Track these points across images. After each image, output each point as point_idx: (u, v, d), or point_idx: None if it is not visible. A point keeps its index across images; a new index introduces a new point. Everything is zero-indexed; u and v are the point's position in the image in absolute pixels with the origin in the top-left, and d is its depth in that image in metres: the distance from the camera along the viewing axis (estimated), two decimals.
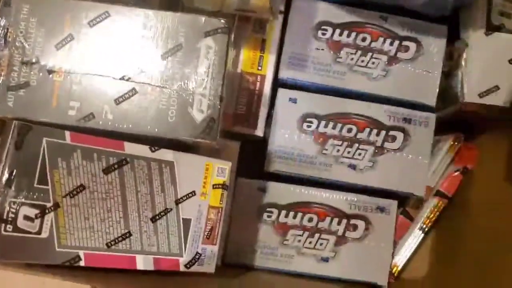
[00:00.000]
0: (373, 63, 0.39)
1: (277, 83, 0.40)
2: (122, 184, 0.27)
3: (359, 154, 0.39)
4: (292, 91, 0.39)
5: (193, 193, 0.29)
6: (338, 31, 0.39)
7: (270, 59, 0.38)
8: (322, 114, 0.39)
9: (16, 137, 0.25)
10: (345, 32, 0.39)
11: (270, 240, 0.39)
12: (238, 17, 0.37)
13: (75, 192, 0.26)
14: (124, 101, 0.27)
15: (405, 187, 0.39)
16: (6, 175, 0.25)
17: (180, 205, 0.29)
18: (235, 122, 0.38)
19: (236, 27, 0.37)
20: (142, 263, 0.28)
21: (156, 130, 0.27)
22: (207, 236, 0.30)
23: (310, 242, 0.38)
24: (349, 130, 0.39)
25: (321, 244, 0.38)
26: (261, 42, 0.38)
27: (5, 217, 0.24)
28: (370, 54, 0.39)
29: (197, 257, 0.30)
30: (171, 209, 0.29)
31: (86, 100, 0.27)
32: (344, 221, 0.39)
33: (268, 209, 0.39)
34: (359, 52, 0.39)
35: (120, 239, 0.27)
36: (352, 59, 0.39)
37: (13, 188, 0.25)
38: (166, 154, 0.28)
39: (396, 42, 0.39)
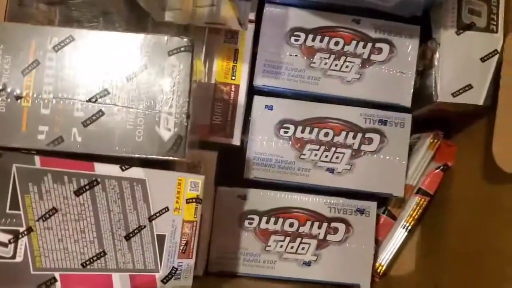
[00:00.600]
0: (346, 66, 0.39)
1: (252, 92, 0.40)
2: (94, 204, 0.28)
3: (337, 158, 0.39)
4: (268, 98, 0.40)
5: (166, 209, 0.30)
6: (311, 36, 0.39)
7: (243, 68, 0.38)
8: (298, 120, 0.40)
9: None
10: (318, 37, 0.39)
11: (253, 247, 0.39)
12: (209, 29, 0.38)
13: (47, 216, 0.27)
14: (92, 123, 0.27)
15: (384, 188, 0.40)
16: None
17: (153, 221, 0.29)
18: (211, 132, 0.38)
19: (207, 38, 0.38)
20: (119, 281, 0.28)
21: (124, 150, 0.28)
22: (183, 251, 0.30)
23: (292, 247, 0.39)
24: (326, 134, 0.39)
25: (302, 249, 0.39)
26: (234, 52, 0.38)
27: None
28: (343, 58, 0.39)
29: (173, 271, 0.30)
30: (145, 226, 0.29)
31: (54, 124, 0.27)
32: (325, 224, 0.39)
33: (249, 216, 0.39)
34: (333, 57, 0.39)
35: (94, 258, 0.28)
36: (325, 63, 0.39)
37: None
38: (137, 172, 0.29)
39: (369, 45, 0.39)
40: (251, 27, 0.38)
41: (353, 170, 0.39)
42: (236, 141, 0.39)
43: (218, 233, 0.39)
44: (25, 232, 0.26)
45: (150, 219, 0.29)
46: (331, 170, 0.39)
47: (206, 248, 0.39)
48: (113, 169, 0.28)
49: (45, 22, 0.33)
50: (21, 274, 0.26)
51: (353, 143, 0.39)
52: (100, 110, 0.27)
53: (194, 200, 0.31)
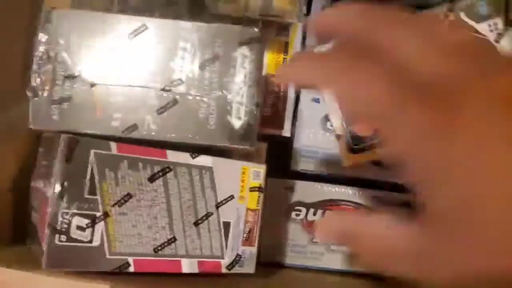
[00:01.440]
0: None
1: None
2: (166, 191, 0.28)
3: None
4: (315, 91, 0.40)
5: (231, 197, 0.30)
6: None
7: None
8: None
9: (65, 150, 0.26)
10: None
11: (300, 238, 0.40)
12: (262, 22, 0.38)
13: (122, 201, 0.27)
14: (166, 111, 0.28)
15: None
16: (58, 188, 0.25)
17: (220, 208, 0.30)
18: (262, 124, 0.39)
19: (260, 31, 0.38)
20: (187, 266, 0.29)
21: (197, 137, 0.28)
22: (246, 238, 0.31)
23: None
24: None
25: None
26: (284, 45, 0.39)
27: (58, 228, 0.25)
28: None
29: (237, 258, 0.31)
30: (212, 213, 0.30)
31: (128, 111, 0.28)
32: None
33: (296, 208, 0.40)
34: None
35: (166, 244, 0.28)
36: None
37: (65, 199, 0.26)
38: (205, 160, 0.29)
39: None
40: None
41: None
42: (286, 132, 0.39)
43: (267, 223, 0.39)
44: (102, 217, 0.26)
45: (217, 206, 0.30)
46: (377, 163, 0.40)
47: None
48: (184, 157, 0.29)
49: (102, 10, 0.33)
50: (97, 258, 0.26)
51: None
52: (174, 99, 0.28)
53: (257, 189, 0.31)
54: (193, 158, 0.29)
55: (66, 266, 0.26)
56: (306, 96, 0.40)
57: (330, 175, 0.40)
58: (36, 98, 0.27)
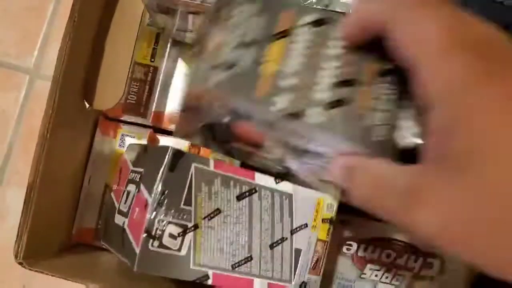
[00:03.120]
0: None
1: None
2: (250, 210, 0.30)
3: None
4: None
5: (305, 225, 0.32)
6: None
7: None
8: None
9: (171, 160, 0.27)
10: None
11: (348, 272, 0.41)
12: None
13: (212, 215, 0.28)
14: (334, 108, 0.24)
15: None
16: (159, 195, 0.27)
17: (294, 235, 0.31)
18: None
19: None
20: (259, 286, 0.30)
21: None
22: (313, 267, 0.32)
23: (387, 277, 0.40)
24: None
25: (397, 280, 0.40)
26: None
27: (153, 233, 0.27)
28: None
29: (303, 285, 0.32)
30: (287, 238, 0.31)
31: (291, 100, 0.24)
32: (421, 259, 0.41)
33: (347, 242, 0.41)
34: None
35: (243, 262, 0.29)
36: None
37: (163, 207, 0.27)
38: (287, 186, 0.31)
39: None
40: None
41: None
42: None
43: None
44: (192, 228, 0.28)
45: (292, 232, 0.31)
46: None
47: None
48: (269, 180, 0.30)
49: None
50: (182, 266, 0.28)
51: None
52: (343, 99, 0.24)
53: (328, 221, 0.33)
54: (277, 183, 0.31)
55: (154, 271, 0.27)
56: None
57: None
58: None
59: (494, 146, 0.15)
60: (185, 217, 0.28)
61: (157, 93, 0.38)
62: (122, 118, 0.39)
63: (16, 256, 0.30)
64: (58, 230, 0.35)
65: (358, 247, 0.41)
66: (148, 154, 0.30)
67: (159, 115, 0.39)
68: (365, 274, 0.41)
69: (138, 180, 0.30)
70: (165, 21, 0.34)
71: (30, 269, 0.30)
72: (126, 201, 0.31)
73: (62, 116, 0.31)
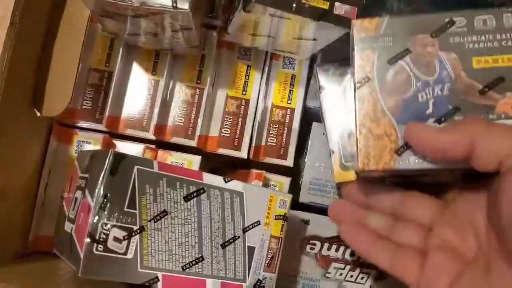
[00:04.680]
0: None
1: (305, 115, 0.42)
2: (199, 211, 0.29)
3: None
4: None
5: (257, 223, 0.32)
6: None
7: (299, 93, 0.40)
8: None
9: (112, 163, 0.27)
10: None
11: (313, 272, 0.40)
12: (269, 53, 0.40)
13: (158, 217, 0.28)
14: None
15: None
16: (101, 199, 0.27)
17: (246, 233, 0.31)
18: (266, 153, 0.40)
19: (267, 62, 0.40)
20: (211, 286, 0.30)
21: None
22: (268, 264, 0.32)
23: (351, 276, 0.40)
24: None
25: (362, 278, 0.40)
26: (291, 77, 0.41)
27: (97, 237, 0.27)
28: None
29: (258, 283, 0.31)
30: (239, 237, 0.31)
31: None
32: None
33: (311, 241, 0.41)
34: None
35: (194, 262, 0.29)
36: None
37: (106, 211, 0.27)
38: (237, 185, 0.31)
39: None
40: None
41: None
42: (289, 163, 0.40)
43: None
44: (138, 231, 0.28)
45: (244, 230, 0.31)
46: None
47: None
48: (217, 180, 0.30)
49: None
50: (130, 270, 0.27)
51: None
52: None
53: (281, 217, 0.33)
54: (226, 182, 0.31)
55: (100, 275, 0.27)
56: (318, 130, 0.42)
57: None
58: None
59: None
60: (129, 220, 0.27)
61: (111, 98, 0.38)
62: (77, 124, 0.38)
63: None
64: (11, 238, 0.34)
65: (322, 246, 0.41)
66: (94, 159, 0.30)
67: (115, 119, 0.39)
68: (330, 273, 0.40)
69: (84, 186, 0.30)
70: (115, 26, 0.33)
71: None
72: (73, 207, 0.30)
73: (9, 124, 0.31)
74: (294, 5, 0.27)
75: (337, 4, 0.28)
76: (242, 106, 0.40)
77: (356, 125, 0.27)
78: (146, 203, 0.28)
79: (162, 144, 0.39)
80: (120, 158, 0.28)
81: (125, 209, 0.27)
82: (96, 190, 0.27)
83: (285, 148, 0.40)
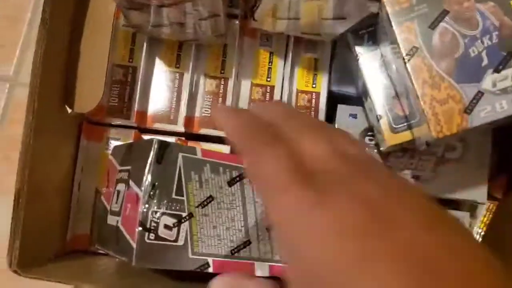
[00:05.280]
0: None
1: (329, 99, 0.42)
2: (242, 195, 0.30)
3: (421, 165, 0.42)
4: (352, 107, 0.42)
5: None
6: None
7: (323, 77, 0.40)
8: None
9: (158, 152, 0.27)
10: None
11: None
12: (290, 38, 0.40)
13: (205, 203, 0.29)
14: None
15: (467, 195, 0.42)
16: (149, 187, 0.27)
17: None
18: None
19: (289, 47, 0.40)
20: (260, 269, 0.30)
21: None
22: None
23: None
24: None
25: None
26: (314, 61, 0.41)
27: (148, 226, 0.27)
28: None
29: None
30: None
31: None
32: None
33: None
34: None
35: (242, 246, 0.30)
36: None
37: (155, 199, 0.27)
38: None
39: None
40: None
41: (437, 177, 0.42)
42: None
43: None
44: (187, 217, 0.28)
45: None
46: (417, 177, 0.42)
47: None
48: None
49: None
50: (181, 256, 0.28)
51: (437, 151, 0.42)
52: None
53: None
54: None
55: (153, 263, 0.27)
56: (343, 112, 0.42)
57: None
58: None
59: None
60: (178, 207, 0.28)
61: (138, 93, 0.38)
62: (106, 121, 0.38)
63: (9, 265, 0.29)
64: (51, 237, 0.34)
65: None
66: (134, 151, 0.30)
67: (142, 114, 0.39)
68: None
69: (126, 178, 0.30)
70: (139, 18, 0.34)
71: (25, 276, 0.30)
72: (117, 200, 0.31)
73: (43, 122, 0.31)
74: None
75: None
76: (268, 93, 0.40)
77: (417, 96, 0.27)
78: (193, 189, 0.28)
79: (190, 136, 0.39)
80: (164, 146, 0.28)
81: (173, 196, 0.28)
82: (144, 179, 0.27)
83: None
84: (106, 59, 0.34)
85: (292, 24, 0.36)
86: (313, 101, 0.40)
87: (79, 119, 0.37)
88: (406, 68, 0.28)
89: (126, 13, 0.33)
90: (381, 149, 0.40)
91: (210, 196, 0.29)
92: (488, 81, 0.27)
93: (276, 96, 0.40)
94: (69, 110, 0.34)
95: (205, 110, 0.39)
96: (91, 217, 0.38)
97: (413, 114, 0.35)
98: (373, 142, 0.42)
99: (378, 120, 0.37)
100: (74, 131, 0.37)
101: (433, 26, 0.28)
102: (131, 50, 0.39)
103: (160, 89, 0.39)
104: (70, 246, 0.37)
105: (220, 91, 0.40)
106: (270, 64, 0.40)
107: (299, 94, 0.40)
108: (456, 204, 0.43)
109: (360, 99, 0.42)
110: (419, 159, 0.42)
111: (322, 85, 0.40)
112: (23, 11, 0.51)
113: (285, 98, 0.40)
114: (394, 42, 0.30)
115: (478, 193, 0.42)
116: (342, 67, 0.42)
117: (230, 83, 0.39)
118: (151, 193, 0.27)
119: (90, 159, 0.38)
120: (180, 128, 0.39)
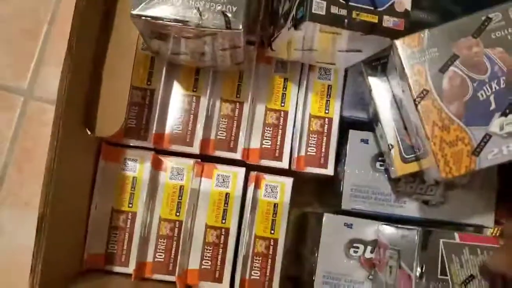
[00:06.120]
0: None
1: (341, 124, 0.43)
2: None
3: (431, 190, 0.43)
4: (364, 132, 0.43)
5: None
6: None
7: (336, 103, 0.42)
8: None
9: (422, 241, 0.31)
10: None
11: (357, 275, 0.41)
12: (306, 66, 0.41)
13: (467, 281, 0.31)
14: None
15: (475, 220, 0.43)
16: (418, 270, 0.31)
17: None
18: (306, 163, 0.41)
19: (303, 74, 0.42)
20: None
21: None
22: None
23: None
24: None
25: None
26: (327, 87, 0.42)
27: None
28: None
29: None
30: None
31: None
32: None
33: (354, 245, 0.42)
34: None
35: None
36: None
37: (423, 279, 0.31)
38: None
39: None
40: None
41: (446, 202, 0.43)
42: (330, 171, 0.42)
43: (323, 258, 0.41)
44: None
45: None
46: (426, 202, 0.43)
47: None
48: None
49: None
50: None
51: None
52: None
53: None
54: None
55: None
56: (355, 137, 0.43)
57: (379, 213, 0.43)
58: None
59: None
60: (443, 284, 0.31)
61: (157, 115, 0.39)
62: (123, 142, 0.39)
63: (31, 287, 0.30)
64: (70, 257, 0.35)
65: (365, 249, 0.41)
66: (402, 234, 0.34)
67: (159, 136, 0.40)
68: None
69: (397, 257, 0.34)
70: (160, 46, 0.35)
71: None
72: (390, 274, 0.35)
73: (66, 146, 0.32)
74: (345, 21, 0.29)
75: (385, 17, 0.29)
76: (281, 118, 0.41)
77: (427, 138, 0.29)
78: (455, 269, 0.31)
79: (205, 158, 0.40)
80: (427, 234, 0.32)
81: (439, 276, 0.31)
82: (414, 264, 0.31)
83: (325, 157, 0.41)
84: (129, 84, 0.34)
85: (307, 54, 0.37)
86: (326, 126, 0.41)
87: (98, 141, 0.38)
88: (418, 110, 0.29)
89: (147, 41, 0.34)
90: (392, 176, 0.41)
91: (471, 275, 0.31)
92: (496, 124, 0.28)
93: (290, 121, 0.41)
94: (90, 133, 0.35)
95: (220, 133, 0.40)
96: (106, 237, 0.39)
97: (418, 146, 0.36)
98: (383, 168, 0.43)
99: (390, 149, 0.38)
100: (93, 152, 0.38)
101: (443, 70, 0.29)
102: (150, 73, 0.40)
103: (177, 111, 0.40)
104: (87, 265, 0.38)
105: (235, 115, 0.40)
106: (284, 89, 0.41)
107: (312, 119, 0.41)
108: (462, 227, 0.44)
109: (371, 124, 0.43)
110: (428, 185, 0.43)
111: (335, 110, 0.41)
112: (40, 25, 0.53)
113: (298, 123, 0.41)
114: (404, 81, 0.31)
115: (485, 218, 0.43)
116: (354, 92, 0.43)
117: (245, 107, 0.40)
118: (421, 274, 0.31)
119: (107, 179, 0.39)
120: (196, 150, 0.40)
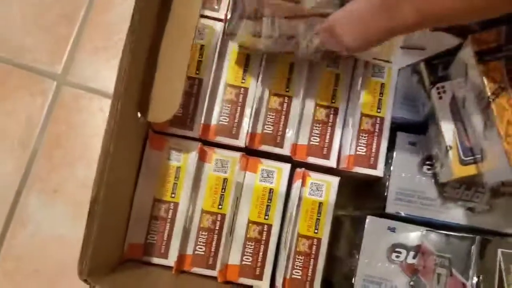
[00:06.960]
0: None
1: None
2: None
3: (477, 197, 0.42)
4: (412, 135, 0.42)
5: None
6: None
7: (388, 102, 0.40)
8: None
9: (479, 249, 0.30)
10: None
11: (398, 280, 0.40)
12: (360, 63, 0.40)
13: None
14: None
15: None
16: (475, 279, 0.30)
17: None
18: (356, 163, 0.40)
19: (357, 70, 0.41)
20: None
21: None
22: None
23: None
24: None
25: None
26: (380, 85, 0.41)
27: None
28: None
29: None
30: None
31: None
32: None
33: (397, 249, 0.41)
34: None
35: None
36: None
37: None
38: None
39: None
40: None
41: (492, 210, 0.42)
42: (379, 172, 0.40)
43: (364, 261, 0.40)
44: None
45: None
46: (471, 209, 0.42)
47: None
48: None
49: None
50: None
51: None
52: None
53: None
54: None
55: None
56: (402, 139, 0.42)
57: (424, 218, 0.42)
58: None
59: None
60: None
61: (205, 105, 0.38)
62: (169, 131, 0.38)
63: (80, 273, 0.29)
64: (116, 245, 0.34)
65: (407, 254, 0.41)
66: (451, 241, 0.34)
67: (205, 127, 0.39)
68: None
69: (448, 265, 0.33)
70: (245, 26, 0.32)
71: (94, 287, 0.29)
72: (438, 282, 0.34)
73: (122, 131, 0.31)
74: None
75: None
76: (331, 115, 0.40)
77: (500, 137, 0.28)
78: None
79: (250, 151, 0.39)
80: (485, 243, 0.31)
81: (496, 287, 0.30)
82: (470, 272, 0.30)
83: (375, 157, 0.40)
84: (185, 72, 0.34)
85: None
86: (377, 126, 0.40)
87: (147, 128, 0.37)
88: (491, 108, 0.28)
89: (232, 21, 0.32)
90: (441, 180, 0.39)
91: None
92: None
93: (340, 119, 0.40)
94: (141, 118, 0.34)
95: (267, 127, 0.39)
96: (146, 227, 0.38)
97: (477, 148, 0.35)
98: (430, 172, 0.42)
99: (448, 151, 0.37)
100: (142, 139, 0.37)
101: None
102: (199, 62, 0.39)
103: (225, 102, 0.39)
104: (126, 255, 0.37)
105: (283, 109, 0.40)
106: (335, 85, 0.40)
107: (363, 117, 0.40)
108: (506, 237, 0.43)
109: (420, 126, 0.42)
110: (475, 191, 0.42)
111: (387, 110, 0.40)
112: (77, 11, 0.52)
113: (348, 121, 0.40)
114: (476, 78, 0.30)
115: None
116: (404, 93, 0.42)
117: (295, 102, 0.39)
118: (477, 284, 0.30)
119: (151, 167, 0.38)
120: (241, 143, 0.39)
